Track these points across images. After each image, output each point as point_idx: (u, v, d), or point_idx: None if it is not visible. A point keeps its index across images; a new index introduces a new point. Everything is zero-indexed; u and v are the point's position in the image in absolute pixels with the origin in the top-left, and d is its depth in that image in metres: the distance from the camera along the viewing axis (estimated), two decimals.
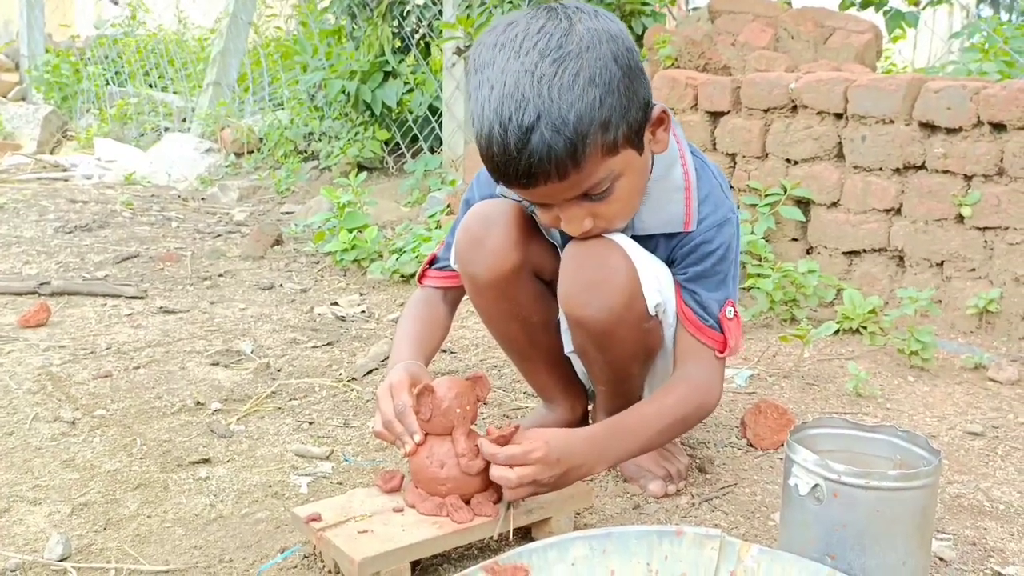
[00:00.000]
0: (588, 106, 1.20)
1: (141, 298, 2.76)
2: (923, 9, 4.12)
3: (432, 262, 1.66)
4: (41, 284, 2.76)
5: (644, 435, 1.41)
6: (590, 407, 1.75)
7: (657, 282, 1.43)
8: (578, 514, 1.42)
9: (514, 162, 1.22)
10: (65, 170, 5.78)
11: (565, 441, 1.32)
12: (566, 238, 1.49)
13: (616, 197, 1.32)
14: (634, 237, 1.45)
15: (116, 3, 8.81)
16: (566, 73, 1.20)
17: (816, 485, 1.18)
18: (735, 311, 1.50)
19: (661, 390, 1.49)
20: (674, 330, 1.50)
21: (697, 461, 1.65)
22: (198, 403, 1.91)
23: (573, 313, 1.44)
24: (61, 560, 1.30)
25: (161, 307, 2.65)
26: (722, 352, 1.48)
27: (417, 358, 1.47)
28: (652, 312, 1.42)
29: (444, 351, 2.29)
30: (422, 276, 1.67)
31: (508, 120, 1.20)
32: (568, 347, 1.59)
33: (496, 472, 1.27)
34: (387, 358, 2.21)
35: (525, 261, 1.49)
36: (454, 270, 1.59)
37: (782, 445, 1.65)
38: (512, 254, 1.47)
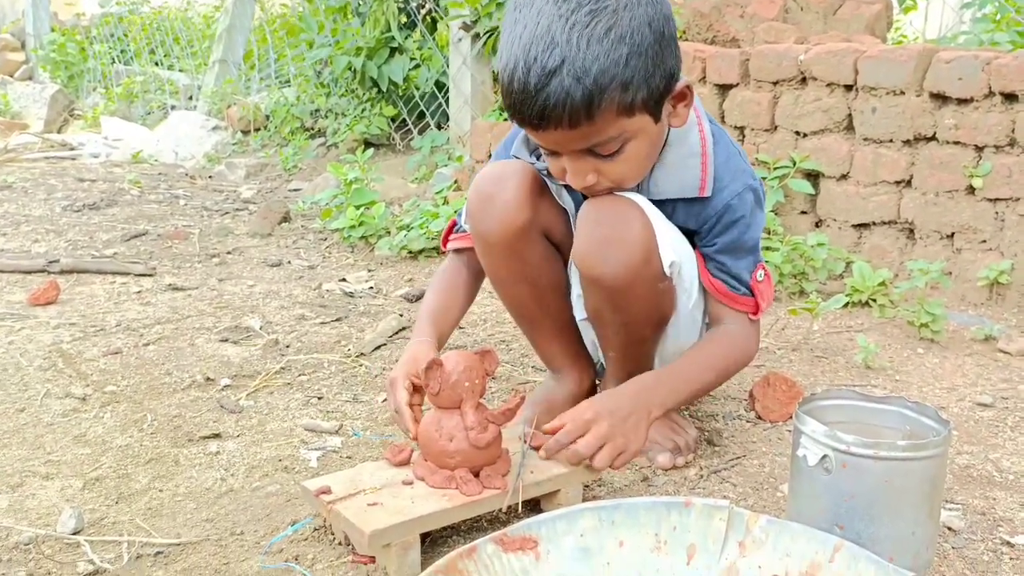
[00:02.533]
0: (613, 62, 1.21)
1: (150, 276, 2.76)
2: None
3: (452, 229, 1.68)
4: (50, 262, 2.77)
5: (694, 380, 1.47)
6: (598, 382, 1.75)
7: (672, 241, 1.43)
8: (587, 486, 1.43)
9: (530, 102, 1.23)
10: (72, 149, 5.78)
11: (608, 396, 1.40)
12: (578, 202, 1.50)
13: (624, 159, 1.33)
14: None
15: None
16: (599, 25, 1.21)
17: (825, 456, 1.18)
18: (765, 272, 1.53)
19: (702, 341, 1.55)
20: (690, 296, 1.51)
21: (705, 434, 1.66)
22: (208, 379, 1.92)
23: (589, 270, 1.43)
24: (74, 534, 1.31)
25: (170, 284, 2.66)
26: (755, 315, 1.53)
27: (431, 335, 1.50)
28: (667, 271, 1.42)
29: None
30: (444, 241, 1.70)
31: (533, 60, 1.22)
32: (580, 314, 1.59)
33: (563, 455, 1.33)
34: (395, 333, 2.21)
35: (535, 220, 1.50)
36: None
37: (791, 418, 1.66)
38: (522, 211, 1.47)
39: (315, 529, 1.32)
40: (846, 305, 2.39)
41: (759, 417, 1.74)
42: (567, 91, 1.21)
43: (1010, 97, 2.35)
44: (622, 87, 1.23)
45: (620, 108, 1.25)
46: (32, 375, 1.93)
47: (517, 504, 1.30)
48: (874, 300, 2.37)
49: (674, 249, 1.43)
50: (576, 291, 1.58)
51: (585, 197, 1.45)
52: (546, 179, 1.51)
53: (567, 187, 1.53)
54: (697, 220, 1.49)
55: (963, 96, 2.41)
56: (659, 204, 1.46)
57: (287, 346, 2.14)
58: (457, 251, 1.67)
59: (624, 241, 1.39)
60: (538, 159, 1.51)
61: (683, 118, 1.38)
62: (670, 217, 1.47)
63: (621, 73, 1.22)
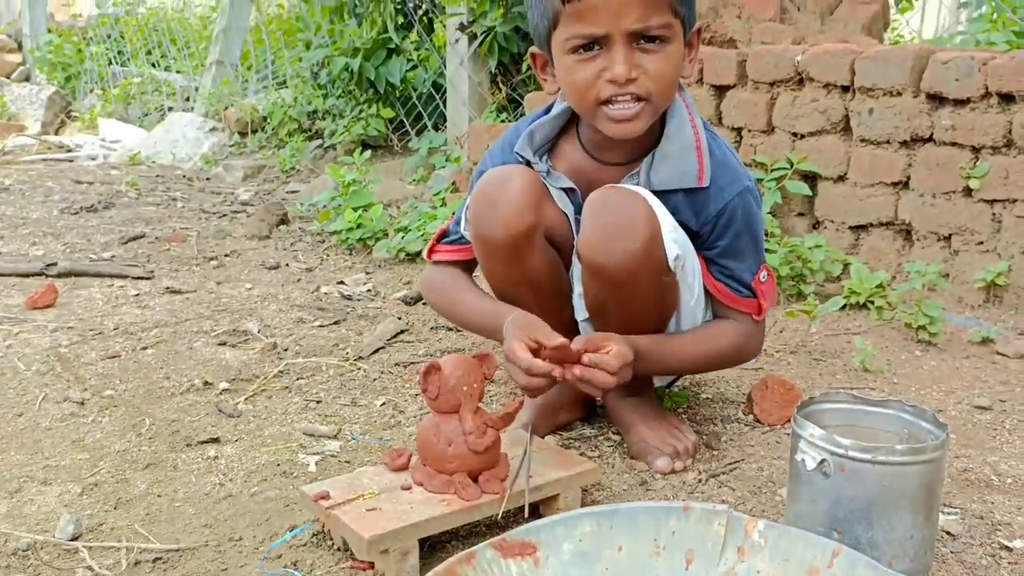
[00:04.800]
0: None
1: (148, 279, 2.76)
2: None
3: (441, 237, 1.68)
4: (48, 265, 2.76)
5: (681, 356, 1.54)
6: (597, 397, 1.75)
7: (676, 235, 1.45)
8: (585, 491, 1.43)
9: None
10: (70, 151, 5.77)
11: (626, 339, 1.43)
12: (577, 205, 1.52)
13: (663, 57, 1.40)
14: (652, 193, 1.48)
15: None
16: None
17: (823, 460, 1.18)
18: (768, 273, 1.56)
19: (702, 325, 1.58)
20: (692, 292, 1.53)
21: (704, 437, 1.66)
22: (206, 383, 1.92)
23: (594, 260, 1.44)
24: (72, 539, 1.31)
25: (168, 287, 2.66)
26: (758, 316, 1.56)
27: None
28: (672, 265, 1.44)
29: (451, 329, 2.29)
30: (431, 251, 1.69)
31: None
32: (581, 315, 1.60)
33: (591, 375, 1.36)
34: (393, 336, 2.21)
35: (539, 223, 1.50)
36: (465, 243, 1.61)
37: (789, 421, 1.66)
38: (526, 215, 1.48)
39: (314, 534, 1.32)
40: (844, 307, 2.39)
41: (757, 420, 1.74)
42: None
43: (1007, 98, 2.36)
44: None
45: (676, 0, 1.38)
46: (30, 379, 1.93)
47: (524, 507, 1.30)
48: (872, 302, 2.37)
49: (678, 243, 1.45)
50: (578, 290, 1.59)
51: (583, 201, 1.47)
52: (545, 182, 1.52)
53: (566, 191, 1.53)
54: (698, 219, 1.50)
55: (960, 97, 2.42)
56: (660, 198, 1.48)
57: (285, 349, 2.14)
58: (441, 262, 1.68)
59: (630, 231, 1.40)
60: (541, 159, 1.53)
61: (690, 72, 1.48)
62: (673, 211, 1.49)
63: None
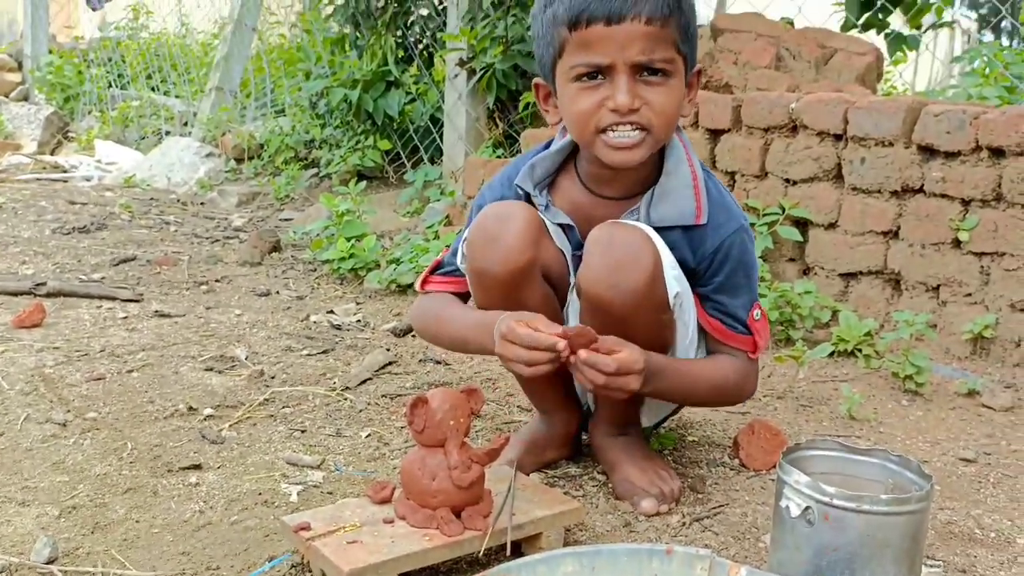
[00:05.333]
0: None
1: (137, 301, 2.75)
2: (924, 32, 4.14)
3: (435, 269, 1.68)
4: (37, 285, 2.75)
5: (687, 382, 1.52)
6: (584, 436, 1.75)
7: (675, 271, 1.47)
8: (568, 530, 1.42)
9: None
10: (65, 171, 5.78)
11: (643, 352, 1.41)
12: (575, 242, 1.54)
13: (666, 90, 1.42)
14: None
15: (95, 9, 8.83)
16: None
17: (807, 507, 1.18)
18: (761, 311, 1.57)
19: (703, 359, 1.58)
20: (687, 330, 1.53)
21: (689, 480, 1.65)
22: (190, 408, 1.91)
23: (596, 294, 1.44)
24: (48, 563, 1.29)
25: (156, 311, 2.65)
26: (753, 353, 1.56)
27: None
28: (672, 302, 1.45)
29: (439, 362, 2.28)
30: (425, 282, 1.68)
31: None
32: None
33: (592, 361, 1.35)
34: (381, 368, 2.21)
35: (537, 259, 1.51)
36: (459, 276, 1.61)
37: (774, 466, 1.65)
38: (526, 251, 1.48)
39: (293, 566, 1.30)
40: (832, 354, 2.40)
41: (743, 465, 1.74)
42: None
43: (997, 152, 2.38)
44: (685, 24, 1.41)
45: (678, 36, 1.40)
46: (13, 399, 1.91)
47: (506, 544, 1.29)
48: (859, 350, 2.37)
49: (677, 281, 1.47)
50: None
51: (582, 241, 1.48)
52: (543, 217, 1.53)
53: (564, 227, 1.54)
54: (695, 256, 1.52)
55: (951, 149, 2.44)
56: (659, 234, 1.49)
57: (272, 377, 2.13)
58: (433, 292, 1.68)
59: (634, 267, 1.41)
60: (540, 193, 1.54)
61: (688, 113, 1.50)
62: (671, 247, 1.50)
63: (687, 6, 1.41)
